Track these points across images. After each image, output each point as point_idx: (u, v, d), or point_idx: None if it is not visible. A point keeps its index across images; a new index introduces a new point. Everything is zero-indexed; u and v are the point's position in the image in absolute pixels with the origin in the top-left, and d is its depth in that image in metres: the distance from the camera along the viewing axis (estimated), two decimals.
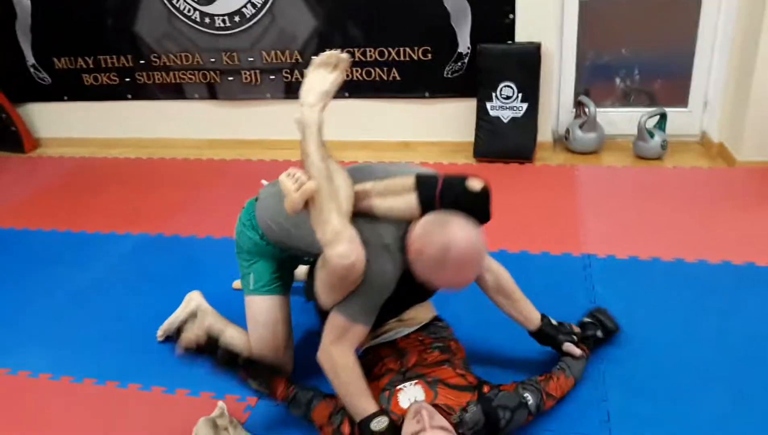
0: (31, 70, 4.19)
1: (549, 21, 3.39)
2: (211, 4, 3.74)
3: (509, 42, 3.43)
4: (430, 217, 1.51)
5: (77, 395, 2.00)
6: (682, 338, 2.03)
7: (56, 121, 4.34)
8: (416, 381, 1.65)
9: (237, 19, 3.75)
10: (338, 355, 1.61)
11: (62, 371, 2.10)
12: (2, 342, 2.29)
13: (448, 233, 1.44)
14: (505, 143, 3.50)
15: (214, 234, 2.93)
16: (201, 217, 3.14)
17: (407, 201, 1.54)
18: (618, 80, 3.62)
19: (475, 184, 1.52)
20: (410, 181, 1.55)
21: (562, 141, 3.67)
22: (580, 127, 3.52)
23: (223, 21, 3.78)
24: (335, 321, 1.60)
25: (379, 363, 1.79)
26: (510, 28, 3.43)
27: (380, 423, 1.54)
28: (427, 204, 1.52)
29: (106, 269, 2.73)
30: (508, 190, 3.18)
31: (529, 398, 1.67)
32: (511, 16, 3.40)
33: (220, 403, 1.85)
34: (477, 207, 1.53)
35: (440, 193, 1.51)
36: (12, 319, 2.43)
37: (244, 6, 3.70)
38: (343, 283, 1.52)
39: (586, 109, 3.49)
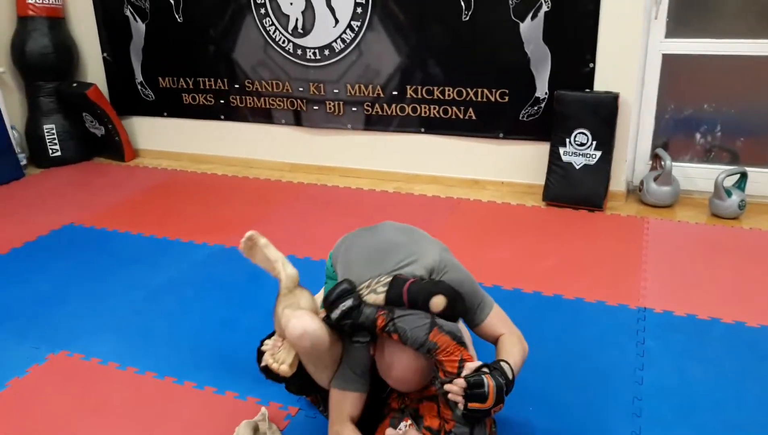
0: (139, 87, 4.58)
1: (630, 72, 3.39)
2: (305, 38, 3.98)
3: (587, 90, 3.45)
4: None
5: (138, 385, 2.18)
6: (730, 402, 1.97)
7: (155, 135, 4.71)
8: (410, 423, 1.68)
9: (327, 52, 3.97)
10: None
11: (128, 362, 2.29)
12: (80, 329, 2.51)
13: (392, 355, 1.61)
14: (575, 189, 3.50)
15: (284, 251, 3.09)
16: (274, 233, 3.26)
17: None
18: (698, 136, 3.55)
19: (437, 305, 1.60)
20: (380, 300, 1.65)
21: (636, 193, 3.62)
22: (655, 179, 3.47)
23: (314, 53, 4.01)
24: (332, 397, 1.72)
25: (385, 405, 1.81)
26: (589, 77, 3.45)
27: None
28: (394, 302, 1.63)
29: (181, 273, 2.95)
30: (574, 236, 3.19)
31: None
32: (591, 64, 3.43)
33: (263, 409, 1.97)
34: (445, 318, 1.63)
35: (407, 297, 1.62)
36: (91, 310, 2.66)
37: (335, 41, 3.92)
38: (312, 355, 1.63)
39: (662, 162, 3.44)
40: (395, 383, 1.66)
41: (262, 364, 1.74)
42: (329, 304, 1.63)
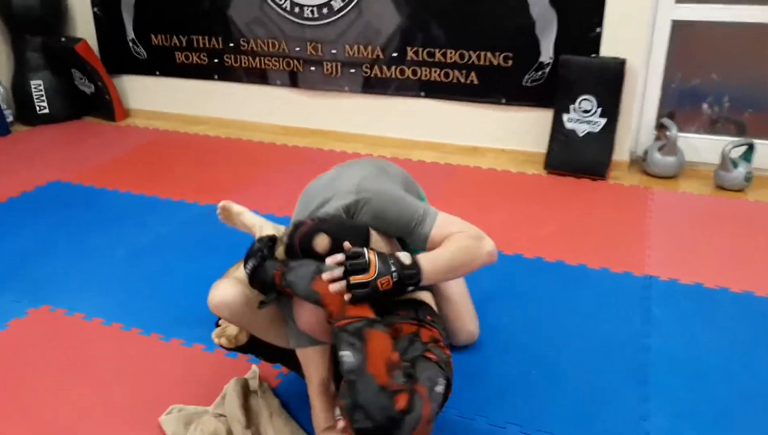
0: (130, 44, 4.43)
1: (637, 38, 3.28)
2: None
3: (593, 55, 3.34)
4: None
5: (123, 341, 2.09)
6: (740, 370, 1.91)
7: (147, 95, 4.57)
8: None
9: (325, 10, 3.84)
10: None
11: (113, 318, 2.20)
12: (64, 284, 2.42)
13: (296, 308, 1.49)
14: (578, 157, 3.41)
15: (276, 212, 2.99)
16: (267, 195, 3.21)
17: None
18: (705, 106, 3.46)
19: (319, 245, 1.43)
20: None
21: (639, 163, 3.54)
22: (659, 149, 3.38)
23: (312, 12, 3.87)
24: (300, 361, 1.62)
25: None
26: (596, 42, 3.34)
27: None
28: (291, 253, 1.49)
29: (170, 232, 2.85)
30: (576, 204, 3.11)
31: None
32: (598, 29, 3.32)
33: (254, 367, 1.89)
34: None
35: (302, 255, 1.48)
36: (75, 266, 2.57)
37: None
38: (239, 323, 1.60)
39: (668, 133, 3.35)
40: (312, 335, 1.52)
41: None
42: (244, 266, 1.51)
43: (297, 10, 3.90)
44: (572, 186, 3.34)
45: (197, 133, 4.26)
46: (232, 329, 1.71)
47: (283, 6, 3.92)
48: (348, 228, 1.48)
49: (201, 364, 1.97)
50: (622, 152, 3.50)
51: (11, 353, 2.03)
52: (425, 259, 1.45)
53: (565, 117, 3.41)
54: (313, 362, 1.60)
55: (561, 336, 2.08)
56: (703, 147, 3.45)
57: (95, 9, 4.44)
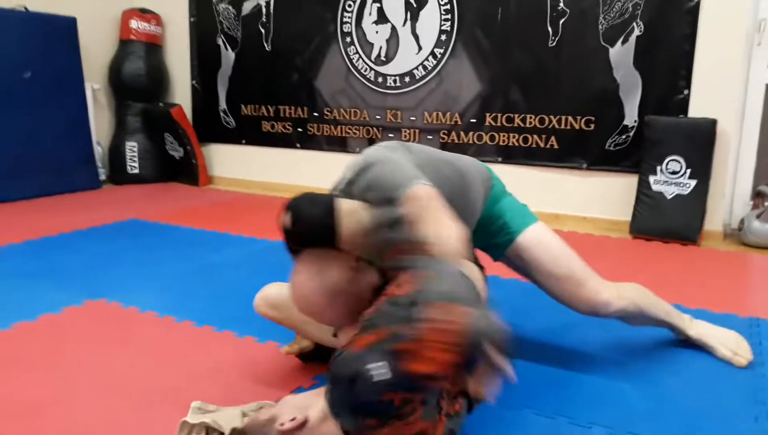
0: (221, 114, 4.69)
1: (729, 100, 3.17)
2: (386, 65, 3.99)
3: (681, 116, 3.23)
4: None
5: (172, 328, 2.00)
6: None
7: (231, 162, 4.75)
8: None
9: (407, 79, 3.96)
10: None
11: (168, 312, 2.11)
12: (125, 285, 2.39)
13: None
14: (666, 221, 3.19)
15: None
16: None
17: None
18: None
19: (283, 222, 1.36)
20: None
21: (734, 235, 3.27)
22: (758, 217, 3.12)
23: (394, 81, 4.00)
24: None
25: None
26: (683, 105, 3.25)
27: None
28: None
29: (238, 257, 2.80)
30: (665, 265, 2.85)
31: None
32: (685, 91, 3.23)
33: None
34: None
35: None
36: (139, 274, 2.54)
37: (416, 68, 3.91)
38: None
39: (766, 201, 3.11)
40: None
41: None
42: None
43: (380, 79, 4.04)
44: (661, 250, 3.10)
45: (274, 196, 4.33)
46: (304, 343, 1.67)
47: (368, 76, 4.08)
48: (312, 204, 1.35)
49: (251, 353, 1.83)
50: (715, 222, 3.26)
51: (59, 332, 1.96)
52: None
53: (651, 179, 3.24)
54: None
55: (669, 360, 1.81)
56: None
57: (194, 82, 4.78)
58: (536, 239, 1.69)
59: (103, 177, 4.59)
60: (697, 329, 1.86)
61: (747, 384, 1.67)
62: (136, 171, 4.64)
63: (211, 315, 2.08)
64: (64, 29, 4.20)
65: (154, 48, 4.67)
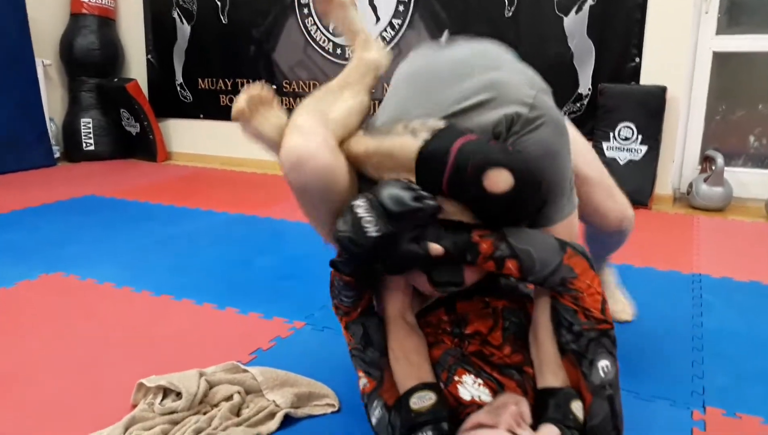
0: (178, 88, 4.61)
1: (678, 68, 3.25)
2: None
3: (633, 83, 3.31)
4: None
5: (131, 300, 2.01)
6: None
7: (189, 138, 4.69)
8: (481, 382, 1.14)
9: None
10: None
11: (125, 283, 2.11)
12: (82, 260, 2.36)
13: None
14: (619, 186, 3.27)
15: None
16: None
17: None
18: (752, 139, 3.34)
19: (496, 184, 1.01)
20: (412, 151, 1.07)
21: (683, 199, 3.39)
22: (705, 181, 3.23)
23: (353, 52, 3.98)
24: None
25: (431, 329, 1.23)
26: (635, 72, 3.32)
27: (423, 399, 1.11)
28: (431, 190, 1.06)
29: (197, 230, 2.79)
30: None
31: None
32: (637, 59, 3.31)
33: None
34: (503, 211, 1.07)
35: (448, 185, 1.05)
36: (96, 249, 2.52)
37: (374, 39, 3.89)
38: (305, 196, 1.12)
39: (714, 163, 3.22)
40: None
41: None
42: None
43: (339, 51, 4.02)
44: None
45: (233, 170, 4.30)
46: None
47: (326, 48, 4.06)
48: (536, 183, 1.06)
49: (208, 319, 1.84)
50: (664, 186, 3.37)
51: (14, 305, 1.94)
52: None
53: (605, 145, 3.33)
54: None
55: None
56: (751, 181, 3.30)
57: (149, 56, 4.68)
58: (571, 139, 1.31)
59: (57, 154, 4.49)
60: (605, 277, 1.83)
61: (686, 333, 1.76)
62: (92, 148, 4.54)
63: (169, 285, 2.08)
64: (11, 2, 4.06)
65: (106, 22, 4.55)
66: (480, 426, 1.04)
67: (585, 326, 1.06)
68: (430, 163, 1.05)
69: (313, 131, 1.11)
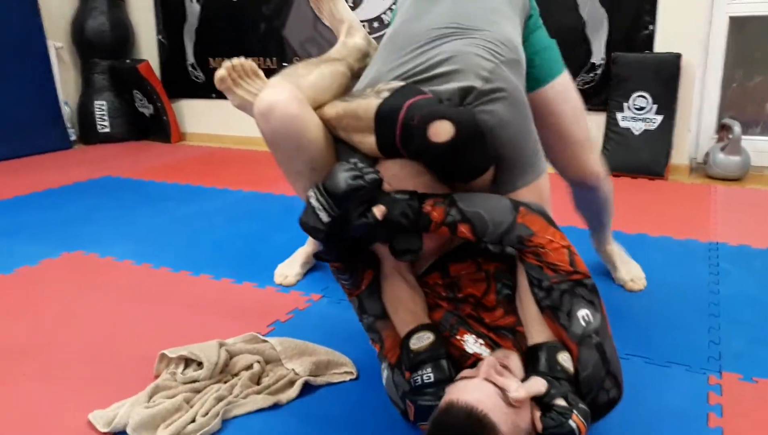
0: (189, 68, 4.61)
1: (693, 35, 3.20)
2: (355, 10, 3.94)
3: (647, 52, 3.26)
4: None
5: (150, 275, 2.04)
6: None
7: (202, 118, 4.69)
8: (482, 342, 1.16)
9: (376, 24, 3.93)
10: None
11: (144, 260, 2.15)
12: (101, 238, 2.40)
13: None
14: (634, 157, 3.26)
15: None
16: None
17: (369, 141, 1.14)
18: None
19: (438, 133, 1.04)
20: (372, 110, 1.12)
21: (700, 168, 3.35)
22: (722, 150, 3.20)
23: (364, 26, 3.95)
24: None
25: (429, 290, 1.25)
26: (648, 40, 3.27)
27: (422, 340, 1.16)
28: (388, 151, 1.13)
29: (212, 208, 2.82)
30: (633, 200, 2.90)
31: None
32: (650, 27, 3.25)
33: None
34: (447, 163, 1.10)
35: (400, 139, 1.10)
36: (114, 228, 2.56)
37: (384, 12, 3.88)
38: (285, 148, 1.19)
39: (731, 132, 3.18)
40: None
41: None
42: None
43: None
44: (629, 185, 3.16)
45: (247, 149, 4.31)
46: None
47: None
48: (481, 137, 1.09)
49: (228, 293, 1.87)
50: (681, 156, 3.33)
51: (38, 282, 1.98)
52: None
53: (619, 115, 3.29)
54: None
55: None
56: None
57: (159, 36, 4.68)
58: (563, 94, 1.52)
59: (73, 137, 4.52)
60: (613, 247, 1.88)
61: (703, 300, 1.76)
62: (107, 130, 4.57)
63: (187, 261, 2.12)
64: None
65: (116, 2, 4.55)
66: (462, 378, 1.06)
67: (554, 280, 1.09)
68: (385, 120, 1.10)
69: (282, 86, 1.19)
